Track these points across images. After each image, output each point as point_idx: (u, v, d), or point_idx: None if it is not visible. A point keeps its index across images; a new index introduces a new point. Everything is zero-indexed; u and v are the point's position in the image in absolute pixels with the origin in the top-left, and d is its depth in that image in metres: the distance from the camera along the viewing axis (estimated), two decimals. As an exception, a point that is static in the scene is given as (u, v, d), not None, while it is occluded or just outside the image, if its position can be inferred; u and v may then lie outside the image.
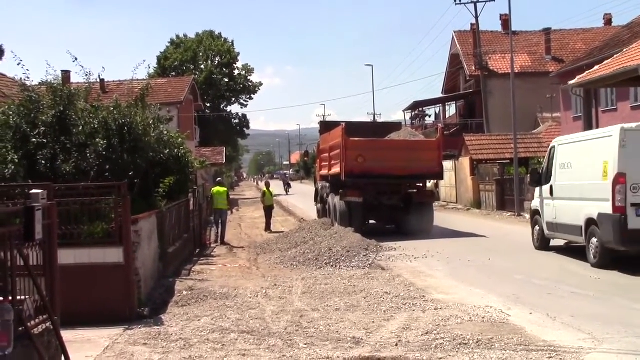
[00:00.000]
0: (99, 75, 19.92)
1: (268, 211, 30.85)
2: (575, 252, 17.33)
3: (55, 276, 7.35)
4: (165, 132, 18.71)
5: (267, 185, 34.00)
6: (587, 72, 30.83)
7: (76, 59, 16.82)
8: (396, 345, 8.94)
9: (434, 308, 11.24)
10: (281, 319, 10.90)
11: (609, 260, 15.34)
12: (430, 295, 12.45)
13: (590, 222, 15.85)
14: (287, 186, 72.52)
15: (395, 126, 32.18)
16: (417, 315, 10.77)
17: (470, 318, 10.37)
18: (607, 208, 14.99)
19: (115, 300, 11.28)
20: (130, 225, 11.76)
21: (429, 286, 13.63)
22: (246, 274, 16.58)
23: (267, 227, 30.01)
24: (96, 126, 15.53)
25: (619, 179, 14.75)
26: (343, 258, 17.80)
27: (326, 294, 13.01)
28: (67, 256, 10.77)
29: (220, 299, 12.81)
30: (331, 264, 17.36)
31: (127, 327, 10.65)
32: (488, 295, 12.41)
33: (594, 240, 15.67)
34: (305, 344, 9.18)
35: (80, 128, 15.44)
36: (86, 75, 16.94)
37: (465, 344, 8.79)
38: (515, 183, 32.58)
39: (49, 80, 16.34)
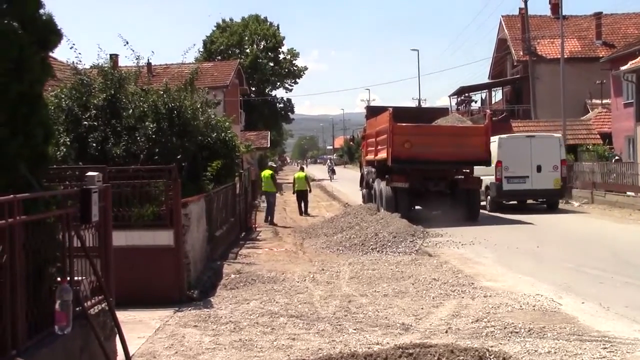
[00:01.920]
0: (148, 59, 20.00)
1: (300, 195, 30.70)
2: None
3: (110, 258, 7.44)
4: (213, 116, 18.84)
5: (301, 169, 34.61)
6: (640, 57, 30.24)
7: (127, 42, 17.00)
8: (446, 332, 8.89)
9: (483, 295, 11.14)
10: (329, 303, 10.91)
11: (495, 207, 27.87)
12: (479, 283, 12.34)
13: (487, 187, 27.76)
14: (332, 172, 67.81)
15: (442, 112, 31.95)
16: (466, 302, 10.69)
17: (521, 306, 10.26)
18: (493, 179, 27.44)
19: (165, 282, 11.39)
20: (181, 208, 11.85)
21: (477, 273, 13.52)
22: (293, 258, 16.63)
23: (304, 211, 30.28)
24: (146, 109, 15.66)
25: (498, 164, 27.06)
26: (389, 244, 17.74)
27: (374, 279, 12.99)
28: (118, 238, 10.80)
29: (268, 283, 12.87)
30: (377, 249, 17.33)
31: (177, 309, 10.76)
32: (538, 283, 12.27)
33: (489, 197, 28.25)
34: (355, 329, 9.18)
35: (131, 111, 15.59)
36: (137, 58, 17.09)
37: (517, 332, 8.69)
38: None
39: (100, 64, 16.52)
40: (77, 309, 6.36)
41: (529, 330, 8.73)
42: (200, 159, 16.77)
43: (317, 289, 12.16)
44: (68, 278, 6.20)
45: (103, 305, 7.04)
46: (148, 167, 13.05)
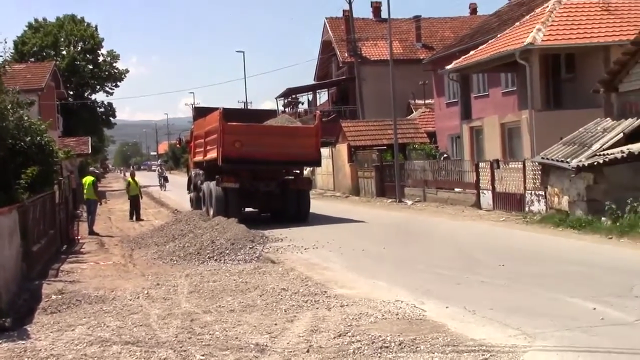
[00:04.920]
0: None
1: (133, 201, 30.34)
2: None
3: None
4: (26, 118, 16.92)
5: (132, 175, 33.72)
6: (463, 57, 30.99)
7: None
8: (307, 351, 7.82)
9: (339, 305, 10.20)
10: (169, 324, 9.54)
11: None
12: (331, 290, 11.40)
13: None
14: (164, 180, 57.46)
15: (271, 113, 32.37)
16: (322, 313, 9.70)
17: (383, 315, 9.38)
18: None
19: (-30, 310, 9.58)
20: (-13, 222, 10.06)
21: (328, 280, 12.59)
22: (122, 273, 15.00)
23: (136, 217, 29.78)
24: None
25: None
26: (228, 251, 16.56)
27: (216, 292, 11.73)
28: None
29: (95, 303, 11.27)
30: (215, 257, 16.09)
31: (-15, 343, 9.01)
32: (394, 288, 11.48)
33: None
34: (203, 355, 7.89)
35: None
36: None
37: (387, 347, 7.76)
38: (395, 169, 32.28)
39: None
40: None
41: (399, 344, 7.81)
42: (12, 165, 14.92)
43: (153, 308, 10.73)
44: None
45: None
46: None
